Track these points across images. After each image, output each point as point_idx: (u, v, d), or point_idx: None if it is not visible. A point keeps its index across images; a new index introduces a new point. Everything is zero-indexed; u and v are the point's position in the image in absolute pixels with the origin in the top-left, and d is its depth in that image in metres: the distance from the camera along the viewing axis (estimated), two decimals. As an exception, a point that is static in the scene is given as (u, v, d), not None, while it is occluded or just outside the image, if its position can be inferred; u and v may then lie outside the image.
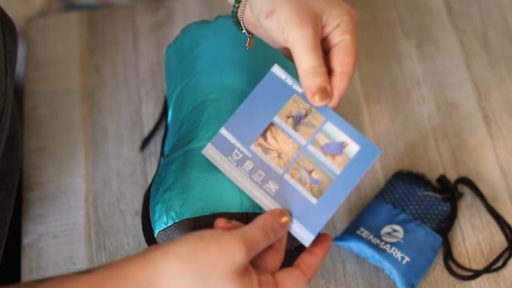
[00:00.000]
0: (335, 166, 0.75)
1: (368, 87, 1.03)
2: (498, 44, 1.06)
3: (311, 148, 0.75)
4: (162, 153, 0.90)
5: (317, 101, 0.73)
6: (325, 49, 0.74)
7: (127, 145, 1.00)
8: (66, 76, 1.06)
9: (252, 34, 0.78)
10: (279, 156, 0.75)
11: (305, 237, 0.73)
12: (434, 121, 1.00)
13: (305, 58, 0.72)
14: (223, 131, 0.75)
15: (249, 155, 0.75)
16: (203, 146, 0.80)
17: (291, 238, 0.78)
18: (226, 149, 0.75)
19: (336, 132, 0.75)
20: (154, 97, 1.03)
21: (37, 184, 0.97)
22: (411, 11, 1.09)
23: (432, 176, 0.95)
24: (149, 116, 1.02)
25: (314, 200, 0.74)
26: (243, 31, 0.78)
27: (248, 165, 0.74)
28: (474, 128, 0.99)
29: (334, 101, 0.74)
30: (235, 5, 0.75)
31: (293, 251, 0.79)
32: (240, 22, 0.76)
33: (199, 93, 0.84)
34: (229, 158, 0.74)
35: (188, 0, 1.12)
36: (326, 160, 0.75)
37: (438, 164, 0.96)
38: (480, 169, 0.96)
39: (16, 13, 1.22)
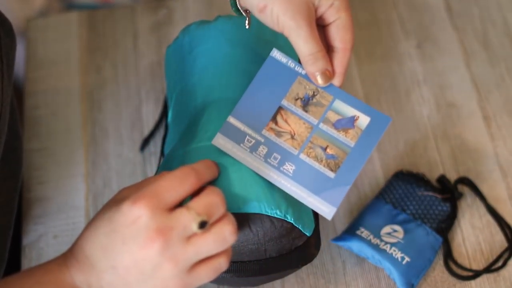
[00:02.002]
0: (349, 139, 0.76)
1: (368, 87, 1.03)
2: (498, 44, 1.06)
3: (323, 126, 0.77)
4: (162, 153, 0.90)
5: (321, 83, 0.77)
6: (319, 25, 0.77)
7: (127, 145, 1.00)
8: (66, 76, 1.06)
9: (249, 12, 0.79)
10: (293, 137, 0.76)
11: (327, 210, 0.75)
12: (434, 121, 1.00)
13: (303, 46, 0.75)
14: (231, 119, 0.76)
15: (262, 140, 0.75)
16: (203, 147, 0.80)
17: (291, 238, 0.78)
18: (237, 137, 0.75)
19: (345, 108, 0.77)
20: (154, 97, 1.03)
21: (37, 184, 0.97)
22: (411, 11, 1.09)
23: (432, 176, 0.95)
24: (149, 116, 1.02)
25: (332, 174, 0.75)
26: (241, 14, 0.79)
27: (262, 149, 0.75)
28: (474, 128, 0.99)
29: (340, 77, 0.77)
30: None
31: (293, 251, 0.79)
32: (239, 8, 0.78)
33: (199, 93, 0.84)
34: (242, 145, 0.75)
35: (188, 0, 1.12)
36: (339, 135, 0.77)
37: (438, 164, 0.96)
38: (480, 169, 0.96)
39: (16, 13, 1.22)
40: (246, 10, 0.78)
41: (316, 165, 0.76)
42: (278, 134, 0.76)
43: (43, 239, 0.93)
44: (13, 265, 0.95)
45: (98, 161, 0.99)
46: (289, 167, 0.75)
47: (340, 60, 0.77)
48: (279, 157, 0.75)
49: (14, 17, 1.22)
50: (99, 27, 1.10)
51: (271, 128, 0.76)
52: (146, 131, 1.00)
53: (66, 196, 0.96)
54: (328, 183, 0.75)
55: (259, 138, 0.76)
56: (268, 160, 0.75)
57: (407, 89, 1.03)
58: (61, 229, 0.94)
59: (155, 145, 0.99)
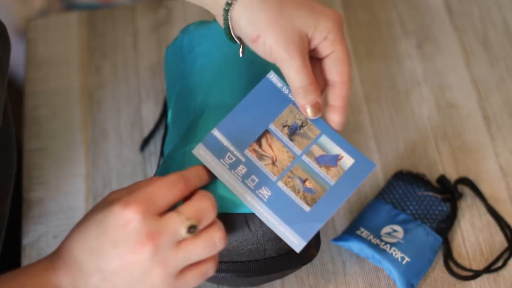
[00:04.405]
0: (329, 177, 0.75)
1: (368, 87, 1.03)
2: (498, 44, 1.05)
3: (306, 158, 0.76)
4: (162, 153, 0.90)
5: (310, 116, 0.76)
6: (315, 58, 0.76)
7: (127, 145, 1.00)
8: (66, 76, 1.06)
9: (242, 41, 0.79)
10: (273, 163, 0.75)
11: (296, 242, 0.74)
12: (434, 121, 1.00)
13: (295, 78, 0.73)
14: (216, 132, 0.75)
15: (243, 159, 0.75)
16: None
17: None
18: (219, 151, 0.74)
19: (331, 145, 0.76)
20: (154, 97, 1.03)
21: (37, 184, 0.97)
22: (411, 11, 1.09)
23: (432, 176, 0.95)
24: (149, 116, 1.02)
25: (307, 208, 0.74)
26: (235, 42, 0.78)
27: (242, 169, 0.74)
28: (474, 128, 0.99)
29: (341, 111, 0.76)
30: (225, 25, 0.75)
31: (293, 251, 0.79)
32: (233, 37, 0.76)
33: (198, 94, 0.84)
34: (222, 161, 0.74)
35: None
36: (321, 171, 0.76)
37: (438, 164, 0.96)
38: (480, 169, 0.96)
39: (16, 13, 1.22)
40: (239, 38, 0.77)
41: (292, 195, 0.74)
42: (260, 157, 0.75)
43: (43, 239, 0.93)
44: (13, 265, 0.95)
45: (98, 161, 0.99)
46: (265, 192, 0.74)
47: (338, 94, 0.75)
48: (256, 180, 0.74)
49: (14, 17, 1.22)
50: (99, 27, 1.10)
51: (254, 150, 0.75)
52: (146, 131, 1.01)
53: (66, 196, 0.96)
54: (301, 215, 0.74)
55: (240, 157, 0.75)
56: (245, 181, 0.74)
57: (407, 89, 1.02)
58: (61, 229, 0.94)
59: (155, 145, 0.99)
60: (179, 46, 0.89)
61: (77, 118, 1.02)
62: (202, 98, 0.84)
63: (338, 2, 1.10)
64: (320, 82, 0.76)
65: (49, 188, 0.97)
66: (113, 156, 0.99)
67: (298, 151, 0.76)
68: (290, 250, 0.79)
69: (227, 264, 0.78)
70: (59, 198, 0.96)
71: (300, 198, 0.74)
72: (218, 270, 0.78)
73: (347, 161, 0.76)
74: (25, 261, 0.92)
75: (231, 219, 0.77)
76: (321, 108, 0.76)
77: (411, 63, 1.05)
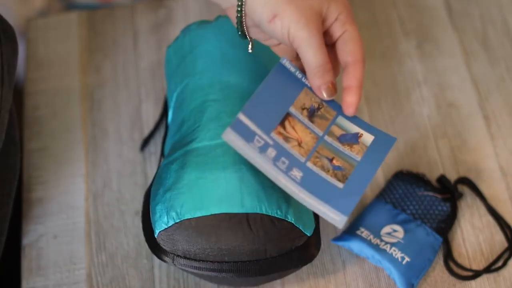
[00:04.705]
0: (354, 153, 0.77)
1: (368, 87, 1.03)
2: (498, 44, 1.06)
3: (328, 138, 0.77)
4: (162, 153, 0.90)
5: (326, 97, 0.76)
6: (326, 42, 0.76)
7: (127, 145, 1.00)
8: (66, 76, 1.06)
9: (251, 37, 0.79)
10: (299, 145, 0.76)
11: (337, 219, 0.74)
12: (434, 121, 1.00)
13: (313, 57, 0.73)
14: (242, 116, 0.75)
15: (271, 142, 0.75)
16: (204, 147, 0.80)
17: (291, 238, 0.78)
18: (247, 135, 0.74)
19: (348, 124, 0.78)
20: (154, 97, 1.03)
21: (37, 184, 0.97)
22: (411, 11, 1.09)
23: (432, 176, 0.95)
24: (149, 116, 1.02)
25: (340, 185, 0.75)
26: (245, 37, 0.78)
27: (271, 152, 0.75)
28: (474, 128, 0.99)
29: (356, 92, 0.76)
30: (238, 15, 0.75)
31: (293, 251, 0.79)
32: (244, 29, 0.77)
33: (199, 93, 0.84)
34: (251, 144, 0.74)
35: (188, 0, 1.12)
36: (345, 149, 0.77)
37: (438, 164, 0.96)
38: (480, 169, 0.96)
39: (16, 13, 1.22)
40: (250, 38, 0.78)
41: (323, 174, 0.75)
42: (286, 139, 0.76)
43: (43, 239, 0.93)
44: (13, 265, 0.95)
45: (98, 161, 0.99)
46: (297, 174, 0.75)
47: (353, 74, 0.75)
48: (287, 162, 0.75)
49: (14, 17, 1.22)
50: (99, 27, 1.10)
51: (280, 132, 0.76)
52: (146, 131, 1.01)
53: (66, 196, 0.96)
54: (336, 192, 0.75)
55: (268, 140, 0.75)
56: (277, 163, 0.74)
57: (407, 89, 1.03)
58: (61, 229, 0.94)
59: (155, 145, 0.99)
60: (180, 46, 0.89)
61: (77, 118, 1.02)
62: (203, 98, 0.84)
63: (338, 2, 1.10)
64: (334, 68, 0.77)
65: (49, 188, 0.97)
66: (113, 156, 0.99)
67: (320, 132, 0.77)
68: (291, 250, 0.79)
69: (227, 264, 0.78)
70: (59, 198, 0.96)
71: (331, 176, 0.75)
72: (219, 270, 0.78)
73: (368, 137, 0.78)
74: (25, 261, 0.92)
75: (232, 219, 0.77)
76: (336, 89, 0.76)
77: (411, 63, 1.05)
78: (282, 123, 0.76)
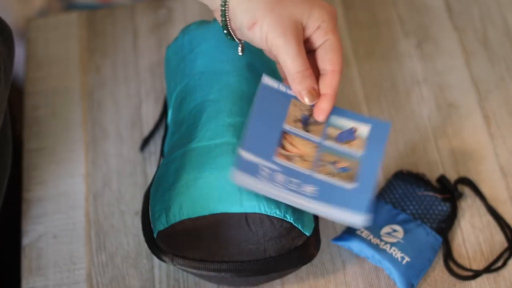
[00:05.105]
0: (355, 149, 0.77)
1: (368, 87, 1.03)
2: (498, 44, 1.05)
3: (327, 143, 0.77)
4: (162, 153, 0.90)
5: (307, 102, 0.77)
6: (308, 49, 0.77)
7: (127, 145, 1.00)
8: (66, 76, 1.06)
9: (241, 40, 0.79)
10: (302, 158, 0.75)
11: (359, 220, 0.74)
12: (434, 121, 1.00)
13: (291, 64, 0.74)
14: (242, 152, 0.75)
15: (276, 167, 0.75)
16: (203, 146, 0.80)
17: (290, 238, 0.78)
18: (252, 170, 0.75)
19: (342, 121, 0.78)
20: (154, 97, 1.03)
21: (37, 184, 0.97)
22: (411, 11, 1.09)
23: (432, 176, 0.95)
24: (149, 116, 1.02)
25: (350, 186, 0.75)
26: (234, 40, 0.79)
27: (280, 177, 0.75)
28: (474, 128, 0.99)
29: (329, 99, 0.77)
30: (223, 18, 0.76)
31: (293, 251, 0.79)
32: (230, 32, 0.78)
33: (198, 93, 0.84)
34: (259, 176, 0.74)
35: (188, 0, 1.12)
36: (345, 148, 0.77)
37: (438, 164, 0.96)
38: (480, 169, 0.96)
39: (16, 13, 1.22)
40: (239, 40, 0.78)
41: (331, 180, 0.75)
42: (288, 158, 0.76)
43: (43, 239, 0.93)
44: (13, 265, 0.95)
45: (98, 161, 0.99)
46: (308, 189, 0.75)
47: (329, 82, 0.76)
48: (296, 180, 0.75)
49: (14, 17, 1.22)
50: (99, 27, 1.10)
51: (281, 154, 0.76)
52: (146, 131, 1.00)
53: (66, 196, 0.96)
54: (349, 193, 0.75)
55: (273, 166, 0.75)
56: (289, 186, 0.75)
57: (407, 89, 1.02)
58: (61, 229, 0.94)
59: (155, 145, 0.99)
60: (180, 46, 0.90)
61: (77, 117, 1.02)
62: (202, 98, 0.84)
63: (338, 2, 1.10)
64: (315, 74, 0.77)
65: (48, 188, 0.97)
66: (113, 156, 0.99)
67: (318, 139, 0.77)
68: (290, 250, 0.79)
69: (227, 264, 0.78)
70: (58, 198, 0.96)
71: (339, 179, 0.75)
72: (218, 270, 0.78)
73: (363, 129, 0.78)
74: (25, 261, 0.92)
75: (231, 219, 0.77)
76: (318, 94, 0.77)
77: (411, 63, 1.05)
78: (280, 144, 0.76)
